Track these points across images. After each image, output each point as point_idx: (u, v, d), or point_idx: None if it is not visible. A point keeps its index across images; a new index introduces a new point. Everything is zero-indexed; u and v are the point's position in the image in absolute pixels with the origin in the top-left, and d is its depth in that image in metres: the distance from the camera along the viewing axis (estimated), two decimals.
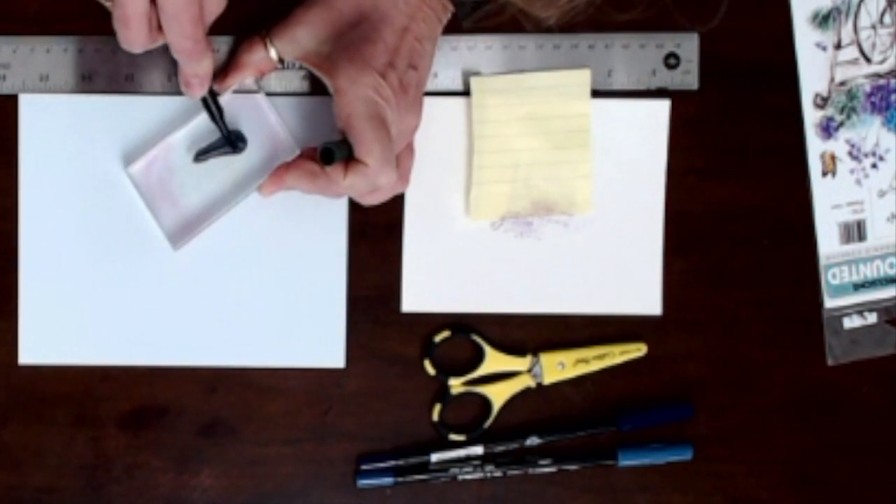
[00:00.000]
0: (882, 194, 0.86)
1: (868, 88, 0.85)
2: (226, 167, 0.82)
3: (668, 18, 0.84)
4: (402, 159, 0.80)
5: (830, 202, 0.85)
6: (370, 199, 0.79)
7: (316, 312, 0.84)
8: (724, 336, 0.86)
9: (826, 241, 0.85)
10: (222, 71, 0.81)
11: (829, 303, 0.86)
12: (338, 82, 0.76)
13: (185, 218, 0.82)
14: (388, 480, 0.84)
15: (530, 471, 0.85)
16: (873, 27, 0.85)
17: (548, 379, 0.85)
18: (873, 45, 0.85)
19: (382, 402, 0.85)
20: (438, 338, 0.84)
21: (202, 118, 0.81)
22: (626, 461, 0.85)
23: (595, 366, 0.85)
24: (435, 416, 0.85)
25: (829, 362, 0.86)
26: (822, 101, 0.85)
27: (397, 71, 0.76)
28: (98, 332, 0.84)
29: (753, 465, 0.86)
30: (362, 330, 0.85)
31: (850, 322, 0.86)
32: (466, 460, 0.85)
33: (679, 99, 0.85)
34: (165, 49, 0.75)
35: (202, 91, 0.78)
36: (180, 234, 0.83)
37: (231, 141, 0.82)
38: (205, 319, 0.84)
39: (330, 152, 0.75)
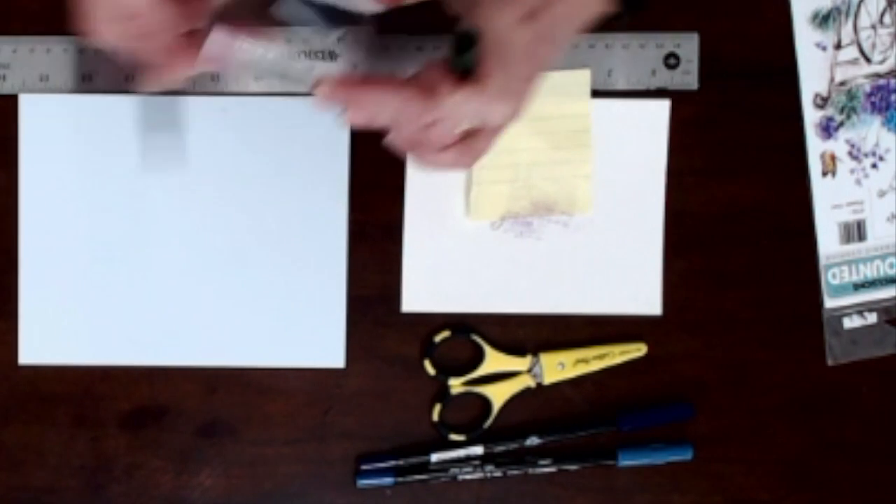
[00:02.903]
0: (882, 194, 0.86)
1: (868, 88, 0.85)
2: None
3: (669, 17, 0.84)
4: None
5: (830, 202, 0.85)
6: (449, 155, 0.69)
7: (316, 312, 0.84)
8: (724, 336, 0.86)
9: (826, 241, 0.85)
10: None
11: (829, 303, 0.86)
12: None
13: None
14: (388, 480, 0.84)
15: (530, 471, 0.85)
16: (873, 27, 0.85)
17: (548, 379, 0.85)
18: (873, 45, 0.85)
19: (382, 402, 0.85)
20: (438, 338, 0.84)
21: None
22: (626, 461, 0.85)
23: (595, 366, 0.85)
24: (435, 416, 0.85)
25: (829, 362, 0.86)
26: (822, 101, 0.85)
27: (541, 25, 0.65)
28: (98, 332, 0.84)
29: (753, 465, 0.86)
30: (362, 330, 0.85)
31: (850, 322, 0.86)
32: (466, 460, 0.85)
33: (679, 99, 0.85)
34: None
35: None
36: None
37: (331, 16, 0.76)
38: (205, 319, 0.84)
39: (470, 39, 0.63)
